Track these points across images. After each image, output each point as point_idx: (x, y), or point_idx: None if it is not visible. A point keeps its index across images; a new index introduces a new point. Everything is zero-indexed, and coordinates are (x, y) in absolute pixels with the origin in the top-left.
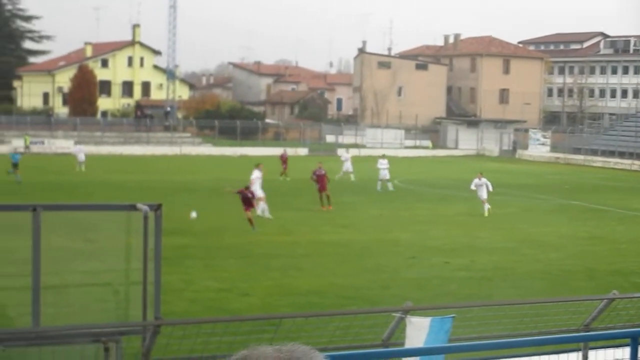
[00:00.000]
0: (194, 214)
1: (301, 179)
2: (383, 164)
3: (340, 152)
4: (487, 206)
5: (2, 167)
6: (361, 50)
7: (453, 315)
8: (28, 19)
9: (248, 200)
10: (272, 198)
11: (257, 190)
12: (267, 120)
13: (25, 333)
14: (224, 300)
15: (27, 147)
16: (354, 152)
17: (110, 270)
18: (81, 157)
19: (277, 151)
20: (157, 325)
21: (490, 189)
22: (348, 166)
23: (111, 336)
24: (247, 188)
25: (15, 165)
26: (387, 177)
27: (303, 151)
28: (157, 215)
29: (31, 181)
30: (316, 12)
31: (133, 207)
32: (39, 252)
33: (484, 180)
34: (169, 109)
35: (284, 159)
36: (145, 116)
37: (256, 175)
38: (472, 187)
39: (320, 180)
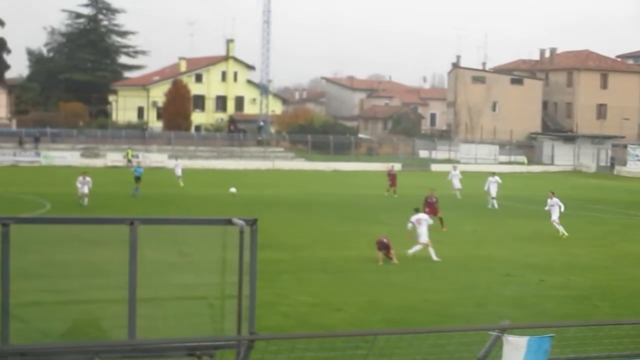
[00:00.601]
0: (233, 189)
1: (403, 195)
2: (494, 181)
3: (449, 168)
4: (560, 227)
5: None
6: (455, 65)
7: (551, 334)
8: (124, 34)
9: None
10: (367, 213)
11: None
12: (360, 135)
13: (121, 346)
14: (317, 315)
15: (129, 160)
16: (446, 167)
17: (204, 284)
18: (178, 171)
19: (370, 166)
20: (252, 340)
21: (562, 209)
22: (456, 183)
23: (206, 350)
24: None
25: (137, 179)
26: (495, 194)
27: (396, 166)
28: (253, 229)
29: (128, 193)
30: (410, 27)
31: (229, 222)
32: (135, 265)
33: (555, 200)
34: (262, 123)
35: (391, 175)
36: (239, 130)
37: None
38: (546, 208)
39: (430, 206)
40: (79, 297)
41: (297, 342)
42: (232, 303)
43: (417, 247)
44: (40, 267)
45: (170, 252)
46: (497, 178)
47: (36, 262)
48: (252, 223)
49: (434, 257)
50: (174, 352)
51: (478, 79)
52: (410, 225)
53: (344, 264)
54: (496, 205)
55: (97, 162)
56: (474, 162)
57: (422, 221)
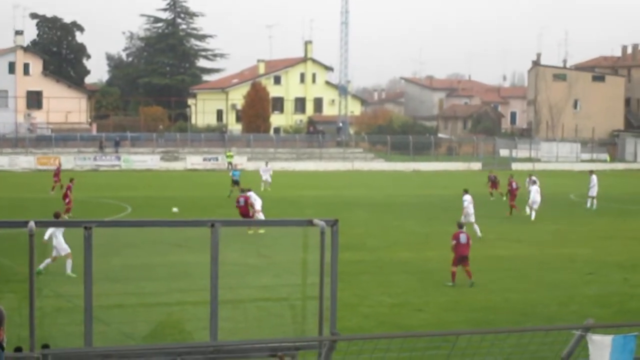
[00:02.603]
0: (175, 209)
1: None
2: (593, 181)
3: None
4: None
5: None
6: (536, 63)
7: (636, 333)
8: (202, 37)
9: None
10: (448, 213)
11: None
12: (440, 135)
13: (204, 347)
14: (398, 315)
15: (229, 163)
16: (527, 166)
17: (285, 285)
18: (266, 177)
19: (450, 166)
20: (334, 341)
21: None
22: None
23: (287, 351)
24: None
25: (235, 182)
26: (595, 194)
27: (476, 166)
28: (334, 230)
29: (210, 195)
30: (489, 25)
31: (310, 223)
32: (217, 267)
33: None
34: (341, 124)
35: (492, 180)
36: (318, 132)
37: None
38: None
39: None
40: (161, 300)
41: (378, 342)
42: (313, 304)
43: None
44: (122, 270)
45: (250, 254)
46: (594, 177)
47: (118, 265)
48: (333, 224)
49: (479, 234)
50: (256, 353)
51: (559, 77)
52: (465, 203)
53: (425, 264)
54: (594, 206)
55: (177, 165)
56: (554, 161)
57: (470, 201)
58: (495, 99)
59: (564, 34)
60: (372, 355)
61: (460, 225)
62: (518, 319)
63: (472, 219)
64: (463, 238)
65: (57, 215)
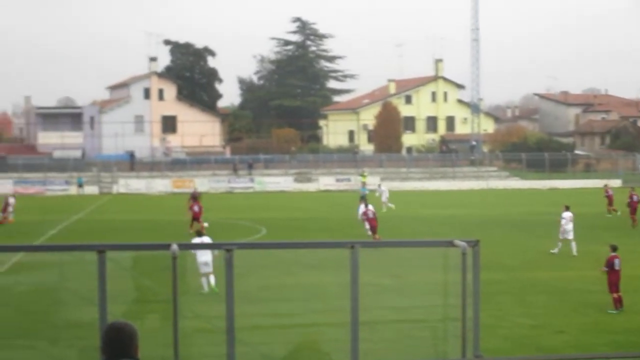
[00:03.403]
0: (206, 224)
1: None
2: None
3: None
4: None
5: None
6: None
7: None
8: (332, 59)
9: None
10: (587, 232)
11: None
12: (577, 152)
13: None
14: (538, 337)
15: (363, 183)
16: None
17: (422, 307)
18: (384, 197)
19: (588, 183)
20: None
21: None
22: None
23: None
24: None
25: (362, 198)
26: None
27: (616, 182)
28: (475, 251)
29: (343, 217)
30: (625, 39)
31: (450, 243)
32: (357, 288)
33: None
34: (474, 142)
35: (608, 195)
36: (450, 151)
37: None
38: None
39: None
40: (297, 321)
41: None
42: (452, 325)
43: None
44: (259, 291)
45: (384, 274)
46: None
47: (254, 286)
48: (474, 244)
49: (574, 253)
50: None
51: None
52: (563, 221)
53: (565, 284)
54: None
55: (310, 187)
56: None
57: (570, 218)
58: (634, 113)
59: None
60: None
61: (614, 248)
62: None
63: (570, 236)
64: (617, 264)
65: (199, 233)
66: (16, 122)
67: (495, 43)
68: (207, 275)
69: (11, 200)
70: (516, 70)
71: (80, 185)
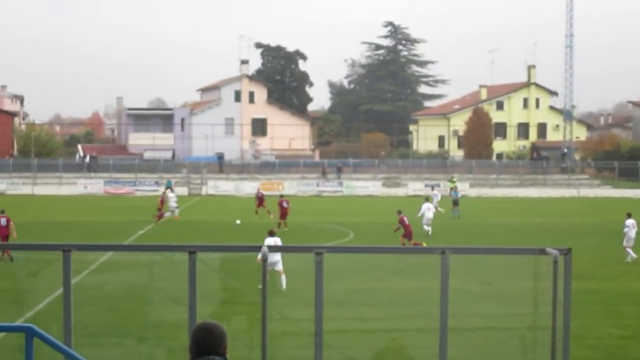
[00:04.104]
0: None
1: None
2: None
3: None
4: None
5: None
6: None
7: None
8: (423, 64)
9: None
10: None
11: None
12: None
13: None
14: (627, 348)
15: (452, 188)
16: None
17: (511, 314)
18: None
19: None
20: None
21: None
22: None
23: None
24: None
25: (454, 202)
26: None
27: None
28: (567, 259)
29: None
30: None
31: (542, 251)
32: (447, 294)
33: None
34: (565, 150)
35: None
36: (542, 158)
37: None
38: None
39: None
40: (383, 325)
41: None
42: (541, 334)
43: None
44: (346, 295)
45: (472, 280)
46: None
47: (341, 290)
48: (566, 252)
49: (632, 257)
50: None
51: None
52: (626, 229)
53: None
54: None
55: (398, 192)
56: None
57: (634, 226)
58: None
59: None
60: None
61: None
62: None
63: (631, 243)
64: None
65: (272, 233)
66: (108, 123)
67: (589, 49)
68: (279, 273)
69: (170, 195)
70: (610, 77)
71: (168, 188)
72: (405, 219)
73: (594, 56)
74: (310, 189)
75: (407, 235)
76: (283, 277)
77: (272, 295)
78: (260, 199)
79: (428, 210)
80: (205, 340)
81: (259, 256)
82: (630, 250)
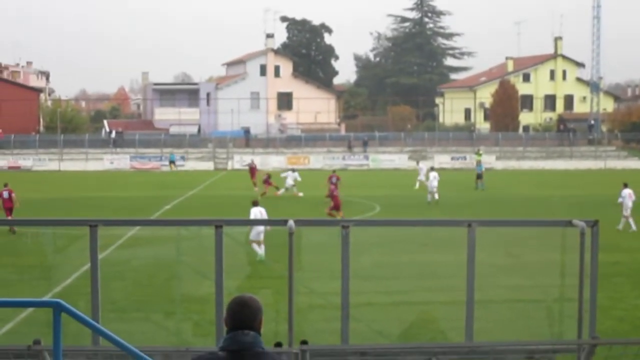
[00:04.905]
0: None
1: None
2: None
3: None
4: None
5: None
6: None
7: None
8: (449, 36)
9: None
10: None
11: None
12: None
13: (459, 347)
14: None
15: (479, 161)
16: None
17: (537, 286)
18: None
19: None
20: (594, 345)
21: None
22: None
23: (544, 354)
24: None
25: (478, 176)
26: None
27: None
28: (594, 231)
29: (456, 195)
30: None
31: (569, 223)
32: (473, 267)
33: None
34: (592, 122)
35: None
36: (568, 130)
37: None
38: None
39: None
40: (410, 299)
41: None
42: (569, 306)
43: (623, 220)
44: (372, 268)
45: (499, 253)
46: None
47: (368, 264)
48: (593, 224)
49: (634, 228)
50: (512, 356)
51: None
52: (620, 199)
53: None
54: None
55: (425, 165)
56: None
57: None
58: None
59: None
60: None
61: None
62: None
63: (627, 212)
64: None
65: (255, 203)
66: (133, 98)
67: (617, 20)
68: (259, 243)
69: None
70: (638, 48)
71: (172, 162)
72: (334, 189)
73: (622, 27)
74: (336, 163)
75: (335, 207)
76: (262, 247)
77: (298, 269)
78: (252, 170)
79: (434, 179)
80: (240, 314)
81: (251, 235)
82: (631, 221)
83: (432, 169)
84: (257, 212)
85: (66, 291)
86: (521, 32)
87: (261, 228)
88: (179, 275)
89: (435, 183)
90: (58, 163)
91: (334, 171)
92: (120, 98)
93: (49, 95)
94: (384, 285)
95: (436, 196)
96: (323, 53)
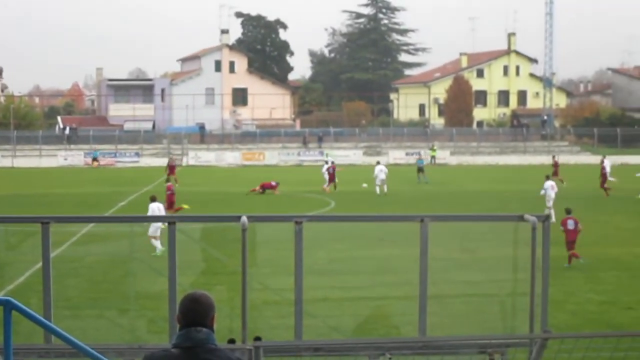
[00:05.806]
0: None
1: None
2: None
3: None
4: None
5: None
6: None
7: None
8: (404, 32)
9: None
10: None
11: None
12: None
13: (412, 342)
14: (607, 313)
15: (433, 157)
16: None
17: (491, 281)
18: (381, 176)
19: None
20: (545, 339)
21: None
22: None
23: (497, 348)
24: None
25: (419, 169)
26: None
27: None
28: (545, 226)
29: (414, 189)
30: None
31: (521, 218)
32: (426, 262)
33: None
34: (545, 117)
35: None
36: (522, 125)
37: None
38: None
39: None
40: (366, 294)
41: (591, 341)
42: (522, 301)
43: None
44: (328, 263)
45: (454, 248)
46: None
47: (323, 259)
48: (544, 219)
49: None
50: (465, 350)
51: None
52: (542, 191)
53: (636, 260)
54: None
55: (380, 160)
56: None
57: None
58: None
59: None
60: (585, 355)
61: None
62: None
63: (549, 204)
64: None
65: (153, 199)
66: (88, 94)
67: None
68: (156, 238)
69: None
70: (590, 44)
71: (94, 159)
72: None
73: (574, 23)
74: (291, 159)
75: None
76: (158, 242)
77: (252, 265)
78: (171, 167)
79: (380, 172)
80: (193, 311)
81: (150, 231)
82: (552, 212)
83: (378, 163)
84: (155, 208)
85: (19, 289)
86: (475, 28)
87: (159, 224)
88: (133, 272)
89: (382, 176)
90: (11, 160)
91: (332, 162)
92: (74, 94)
93: (2, 91)
94: (340, 280)
95: (385, 188)
96: (278, 49)
